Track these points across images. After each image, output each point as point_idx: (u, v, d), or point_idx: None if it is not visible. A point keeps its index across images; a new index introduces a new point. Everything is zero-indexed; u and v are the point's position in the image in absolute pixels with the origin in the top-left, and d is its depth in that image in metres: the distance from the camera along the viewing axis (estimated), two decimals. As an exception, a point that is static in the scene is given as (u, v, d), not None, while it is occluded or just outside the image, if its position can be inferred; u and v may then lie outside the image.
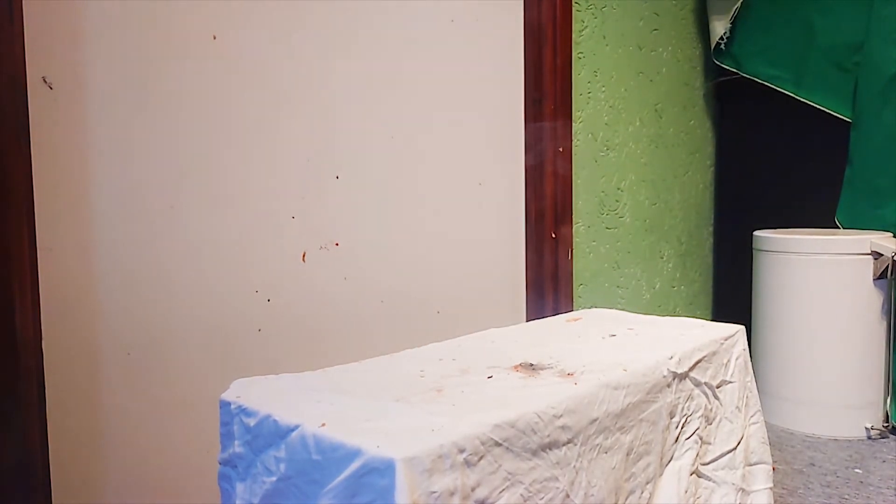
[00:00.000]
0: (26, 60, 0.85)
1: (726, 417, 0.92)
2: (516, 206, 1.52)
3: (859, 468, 1.41)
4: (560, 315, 1.14)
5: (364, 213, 1.24)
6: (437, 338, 0.95)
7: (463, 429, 0.57)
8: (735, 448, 0.92)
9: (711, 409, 0.90)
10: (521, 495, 0.61)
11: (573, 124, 1.56)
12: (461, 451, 0.56)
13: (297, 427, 0.60)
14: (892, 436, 1.58)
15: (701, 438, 0.87)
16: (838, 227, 1.73)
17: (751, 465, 0.95)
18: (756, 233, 1.74)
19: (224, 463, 0.69)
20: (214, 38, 1.04)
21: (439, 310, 1.37)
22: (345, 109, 1.20)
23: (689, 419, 0.86)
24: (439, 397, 0.67)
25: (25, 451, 0.85)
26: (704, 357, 0.89)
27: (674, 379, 0.83)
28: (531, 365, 0.79)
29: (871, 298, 1.57)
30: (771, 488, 0.97)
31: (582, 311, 1.17)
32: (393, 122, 1.27)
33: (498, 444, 0.59)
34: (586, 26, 1.59)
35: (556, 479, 0.65)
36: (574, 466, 0.67)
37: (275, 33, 1.10)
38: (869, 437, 1.57)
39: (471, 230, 1.43)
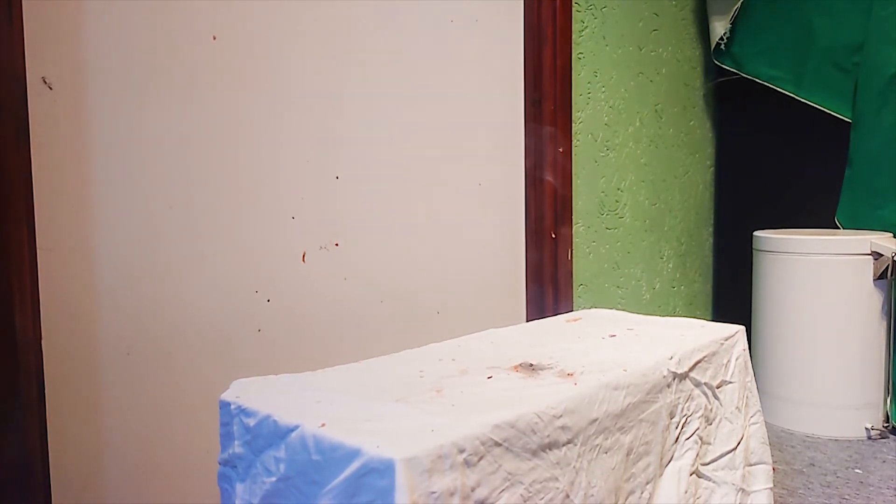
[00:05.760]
0: (26, 60, 0.85)
1: (726, 418, 0.92)
2: (516, 207, 1.52)
3: (859, 468, 1.41)
4: (560, 315, 1.14)
5: (364, 213, 1.24)
6: (437, 338, 0.95)
7: (463, 429, 0.57)
8: (735, 448, 0.92)
9: (711, 410, 0.90)
10: (521, 495, 0.61)
11: (573, 125, 1.56)
12: (461, 451, 0.56)
13: (296, 427, 0.60)
14: (892, 436, 1.58)
15: (701, 439, 0.87)
16: (838, 228, 1.73)
17: (751, 465, 0.95)
18: (756, 233, 1.74)
19: (224, 463, 0.69)
20: (214, 38, 1.04)
21: (439, 310, 1.37)
22: (345, 110, 1.20)
23: (689, 419, 0.86)
24: (439, 397, 0.67)
25: (25, 451, 0.84)
26: (704, 357, 0.89)
27: (674, 379, 0.83)
28: (531, 365, 0.79)
29: (871, 299, 1.57)
30: (771, 488, 0.97)
31: (582, 311, 1.17)
32: (393, 122, 1.27)
33: (498, 445, 0.59)
34: (586, 27, 1.59)
35: (556, 479, 0.65)
36: (574, 467, 0.67)
37: (275, 34, 1.10)
38: (869, 438, 1.57)
39: (471, 230, 1.43)
